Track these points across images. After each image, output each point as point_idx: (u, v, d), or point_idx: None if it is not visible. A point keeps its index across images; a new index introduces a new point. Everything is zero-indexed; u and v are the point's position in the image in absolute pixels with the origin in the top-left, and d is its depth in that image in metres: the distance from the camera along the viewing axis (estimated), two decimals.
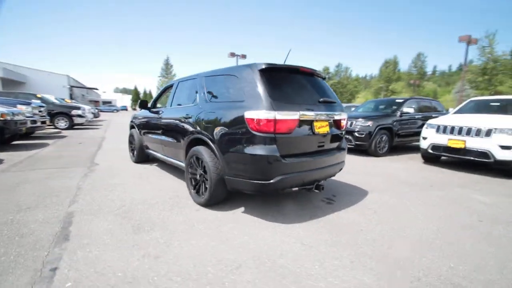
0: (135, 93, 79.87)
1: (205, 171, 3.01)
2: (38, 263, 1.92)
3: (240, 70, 2.81)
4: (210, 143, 2.88)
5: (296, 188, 2.78)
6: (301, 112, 2.62)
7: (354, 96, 56.52)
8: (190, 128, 3.27)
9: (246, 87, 2.67)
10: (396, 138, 7.12)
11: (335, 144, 3.19)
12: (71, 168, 4.75)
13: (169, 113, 3.94)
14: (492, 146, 4.64)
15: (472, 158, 4.92)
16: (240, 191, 2.80)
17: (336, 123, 3.13)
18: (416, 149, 8.16)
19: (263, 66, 2.67)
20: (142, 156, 5.26)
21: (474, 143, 4.85)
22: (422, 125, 7.51)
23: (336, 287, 1.75)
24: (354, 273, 1.90)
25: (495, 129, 4.66)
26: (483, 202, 3.49)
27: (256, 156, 2.47)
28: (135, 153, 5.37)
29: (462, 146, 4.99)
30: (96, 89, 48.72)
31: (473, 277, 1.89)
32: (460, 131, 5.08)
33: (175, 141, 3.69)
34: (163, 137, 4.08)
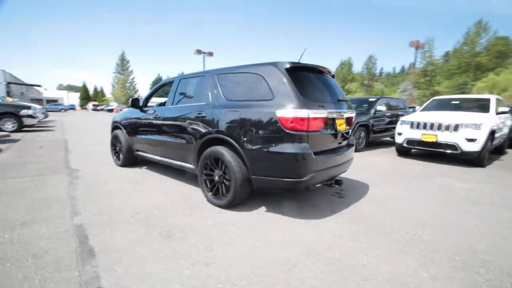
0: (83, 90, 72.53)
1: (224, 172, 2.93)
2: (74, 285, 1.69)
3: (264, 68, 2.79)
4: (234, 143, 2.81)
5: (319, 184, 2.88)
6: (328, 110, 2.71)
7: None
8: (205, 128, 3.13)
9: (274, 85, 2.66)
10: (371, 134, 7.70)
11: (346, 141, 3.35)
12: (48, 176, 4.18)
13: (172, 112, 3.71)
14: (460, 139, 5.33)
15: (442, 150, 5.58)
16: (268, 190, 2.79)
17: (348, 121, 3.30)
18: (385, 144, 8.95)
19: (288, 65, 2.69)
20: (130, 159, 4.86)
21: (444, 137, 5.51)
22: (391, 122, 8.30)
23: (392, 273, 1.87)
24: (400, 259, 2.05)
25: (462, 124, 5.36)
26: (465, 189, 3.99)
27: (290, 154, 2.49)
28: (120, 156, 4.94)
29: (434, 140, 5.62)
30: (39, 85, 43.03)
31: (493, 253, 2.18)
32: (432, 127, 5.72)
33: (182, 141, 3.49)
34: (164, 138, 3.82)
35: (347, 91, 55.36)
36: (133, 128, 4.53)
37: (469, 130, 5.28)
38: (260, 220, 2.73)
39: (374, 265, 1.97)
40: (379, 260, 2.04)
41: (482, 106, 6.23)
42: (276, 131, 2.53)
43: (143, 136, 4.32)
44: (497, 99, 6.49)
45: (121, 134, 4.82)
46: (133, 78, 53.87)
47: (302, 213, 2.91)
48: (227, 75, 3.17)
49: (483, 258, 2.10)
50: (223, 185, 2.98)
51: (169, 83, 4.09)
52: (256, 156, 2.66)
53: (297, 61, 2.80)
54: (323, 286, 1.72)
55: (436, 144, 5.64)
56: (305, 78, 2.80)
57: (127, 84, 52.64)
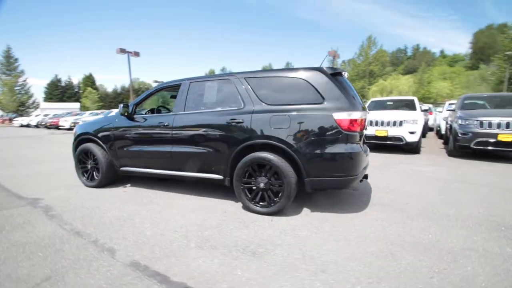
0: None
1: (270, 178, 2.86)
2: None
3: (308, 73, 2.86)
4: (284, 147, 2.77)
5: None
6: (366, 112, 3.00)
7: None
8: (242, 135, 2.95)
9: (322, 89, 2.77)
10: None
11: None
12: (1, 212, 3.10)
13: (189, 119, 3.31)
14: (404, 132, 6.61)
15: (392, 142, 6.80)
16: (322, 189, 2.88)
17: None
18: None
19: (331, 70, 2.86)
20: (109, 178, 4.05)
21: (393, 131, 6.71)
22: None
23: (459, 242, 2.27)
24: (455, 232, 2.48)
25: (405, 120, 6.66)
26: (428, 171, 5.01)
27: (349, 154, 2.66)
28: (95, 175, 4.06)
29: (386, 134, 6.78)
30: None
31: (495, 213, 2.89)
32: (383, 123, 6.88)
33: (207, 151, 3.18)
34: (176, 149, 3.37)
35: None
36: (120, 140, 3.79)
37: (410, 125, 6.61)
38: (317, 220, 2.79)
39: (455, 245, 2.28)
40: (440, 234, 2.42)
41: (409, 105, 7.88)
42: (334, 133, 2.66)
43: (137, 149, 3.67)
44: (417, 99, 8.32)
45: (97, 148, 3.96)
46: (24, 80, 43.07)
47: (346, 208, 3.10)
48: (261, 79, 3.09)
49: (495, 220, 2.76)
50: (267, 192, 2.90)
51: (172, 86, 3.63)
52: (313, 158, 2.71)
53: (318, 65, 2.99)
54: (424, 269, 1.95)
55: (387, 138, 6.81)
56: (341, 82, 3.00)
57: (17, 88, 41.56)
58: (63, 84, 59.15)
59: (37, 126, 25.26)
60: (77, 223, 2.77)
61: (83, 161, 4.15)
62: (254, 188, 3.00)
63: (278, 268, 1.94)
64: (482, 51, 67.40)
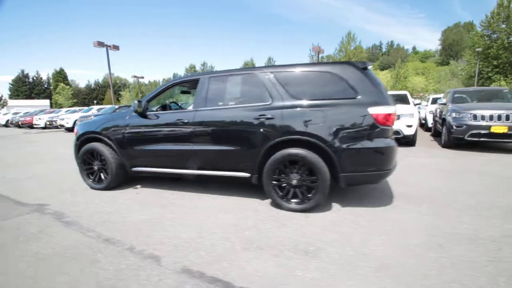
0: None
1: (302, 175, 2.82)
2: None
3: (340, 67, 2.83)
4: (319, 143, 2.72)
5: None
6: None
7: None
8: (273, 131, 2.86)
9: (355, 83, 2.74)
10: None
11: None
12: (4, 222, 2.80)
13: (213, 116, 3.15)
14: (402, 125, 6.82)
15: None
16: (355, 185, 2.87)
17: None
18: None
19: (362, 65, 2.84)
20: (120, 179, 3.80)
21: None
22: None
23: (478, 225, 2.36)
24: (497, 222, 2.55)
25: (402, 114, 6.86)
26: (431, 163, 5.21)
27: (386, 148, 2.67)
28: (103, 176, 3.79)
29: None
30: None
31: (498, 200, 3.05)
32: None
33: (234, 148, 3.05)
34: (198, 147, 3.20)
35: None
36: (132, 139, 3.54)
37: (408, 118, 6.83)
38: (351, 215, 2.78)
39: (479, 229, 2.40)
40: (474, 224, 2.51)
41: (402, 99, 8.14)
42: (370, 127, 2.65)
43: (153, 147, 3.46)
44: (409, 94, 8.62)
45: (104, 147, 3.68)
46: None
47: (371, 202, 3.13)
48: (288, 73, 3.00)
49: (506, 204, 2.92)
50: (301, 188, 2.85)
51: (189, 81, 3.44)
52: (348, 153, 2.69)
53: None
54: (476, 258, 2.01)
55: None
56: (370, 75, 2.97)
57: None
58: (30, 80, 55.04)
59: (6, 125, 23.39)
60: (101, 229, 2.56)
61: (88, 162, 3.85)
62: (284, 185, 2.93)
63: (338, 267, 1.90)
64: (451, 47, 71.59)
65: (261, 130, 2.92)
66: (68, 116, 15.25)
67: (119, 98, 53.44)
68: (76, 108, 20.07)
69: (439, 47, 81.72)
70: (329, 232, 2.42)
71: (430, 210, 2.87)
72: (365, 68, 2.87)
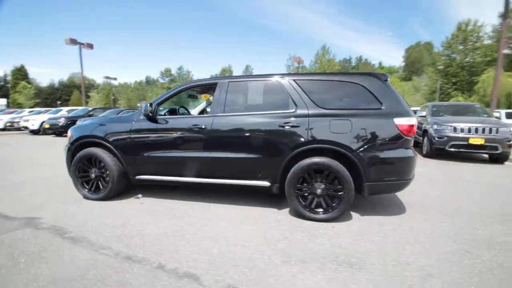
0: None
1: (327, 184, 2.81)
2: None
3: (365, 78, 2.89)
4: (345, 152, 2.73)
5: None
6: None
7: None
8: (297, 139, 2.82)
9: (379, 95, 2.81)
10: None
11: None
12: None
13: (233, 122, 3.02)
14: None
15: None
16: (377, 194, 2.91)
17: None
18: None
19: (384, 77, 2.93)
20: (120, 188, 3.49)
21: None
22: None
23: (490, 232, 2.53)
24: (504, 228, 2.73)
25: None
26: (423, 172, 5.49)
27: (409, 158, 2.75)
28: (102, 185, 3.45)
29: None
30: None
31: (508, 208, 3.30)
32: None
33: (256, 156, 2.94)
34: (216, 154, 3.03)
35: None
36: (140, 145, 3.27)
37: None
38: (374, 224, 2.80)
39: (493, 235, 2.55)
40: (487, 230, 2.66)
41: None
42: (395, 138, 2.72)
43: (162, 154, 3.22)
44: None
45: (105, 153, 3.36)
46: None
47: (386, 211, 3.19)
48: (311, 82, 3.00)
49: (503, 211, 3.16)
50: (325, 198, 2.83)
51: (204, 85, 3.28)
52: (374, 163, 2.72)
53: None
54: (504, 263, 2.12)
55: None
56: (391, 87, 3.03)
57: None
58: None
59: None
60: (117, 245, 2.29)
61: (84, 169, 3.49)
62: (306, 194, 2.89)
63: (386, 278, 1.89)
64: (413, 64, 78.01)
65: (286, 138, 2.87)
66: (33, 118, 13.91)
67: (87, 100, 50.12)
68: (41, 109, 18.39)
69: (403, 64, 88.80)
70: (361, 242, 2.41)
71: (443, 218, 2.99)
72: (386, 80, 2.97)
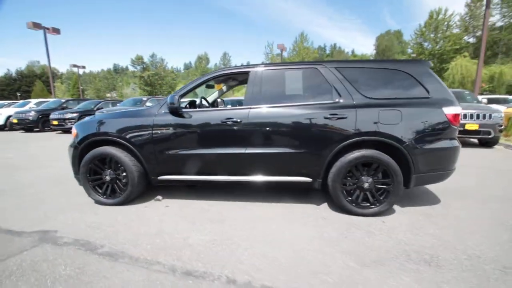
0: None
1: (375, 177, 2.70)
2: None
3: (411, 65, 2.77)
4: (397, 144, 2.61)
5: None
6: None
7: (173, 88, 56.88)
8: (346, 131, 2.65)
9: (426, 83, 2.71)
10: None
11: None
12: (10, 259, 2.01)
13: (274, 115, 2.77)
14: None
15: None
16: (422, 185, 2.86)
17: None
18: None
19: (429, 64, 2.83)
20: (139, 191, 3.13)
21: None
22: None
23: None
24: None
25: None
26: None
27: (457, 147, 2.71)
28: (118, 188, 3.07)
29: None
30: None
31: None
32: None
33: (298, 150, 2.74)
34: (252, 149, 2.79)
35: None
36: (164, 142, 2.91)
37: None
38: (420, 215, 2.76)
39: None
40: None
41: None
42: (444, 127, 2.65)
43: (190, 152, 2.90)
44: None
45: (121, 153, 2.97)
46: None
47: (423, 200, 3.18)
48: (355, 69, 2.82)
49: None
50: (371, 192, 2.72)
51: (234, 74, 2.97)
52: (423, 154, 2.64)
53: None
54: None
55: None
56: (435, 75, 2.94)
57: None
58: None
59: None
60: (166, 259, 2.01)
61: (96, 171, 3.07)
62: (351, 189, 2.77)
63: (471, 274, 1.82)
64: (383, 52, 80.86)
65: (332, 130, 2.69)
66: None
67: (50, 90, 46.05)
68: (5, 102, 16.43)
69: (374, 52, 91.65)
70: (420, 236, 2.35)
71: (477, 205, 3.05)
72: (430, 67, 2.87)
